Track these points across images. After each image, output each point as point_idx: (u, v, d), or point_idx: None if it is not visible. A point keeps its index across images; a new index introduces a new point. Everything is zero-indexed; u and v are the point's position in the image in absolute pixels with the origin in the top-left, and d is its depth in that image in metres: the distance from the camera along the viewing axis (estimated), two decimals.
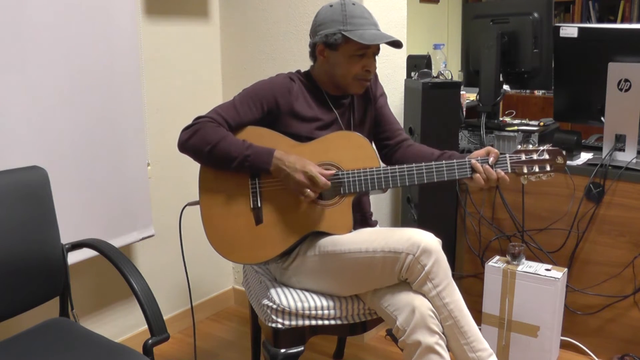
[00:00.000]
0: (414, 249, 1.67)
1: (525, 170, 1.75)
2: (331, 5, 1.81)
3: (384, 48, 1.85)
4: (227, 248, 1.81)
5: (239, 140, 1.77)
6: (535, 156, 1.75)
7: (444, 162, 1.76)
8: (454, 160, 1.76)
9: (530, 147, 1.76)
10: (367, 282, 1.78)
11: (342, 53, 1.79)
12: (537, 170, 1.74)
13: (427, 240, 1.69)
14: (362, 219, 1.95)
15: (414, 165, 1.76)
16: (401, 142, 1.99)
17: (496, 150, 1.77)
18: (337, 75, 1.83)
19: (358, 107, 1.96)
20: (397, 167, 1.76)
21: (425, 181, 1.75)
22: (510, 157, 1.76)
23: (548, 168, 1.74)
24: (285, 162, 1.73)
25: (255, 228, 1.80)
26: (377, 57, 1.85)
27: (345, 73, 1.81)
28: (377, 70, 1.95)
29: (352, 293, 1.83)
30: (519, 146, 1.77)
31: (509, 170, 1.75)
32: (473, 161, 1.74)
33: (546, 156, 1.75)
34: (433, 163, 1.76)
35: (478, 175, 1.73)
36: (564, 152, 1.76)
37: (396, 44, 1.79)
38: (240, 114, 1.80)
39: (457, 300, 1.71)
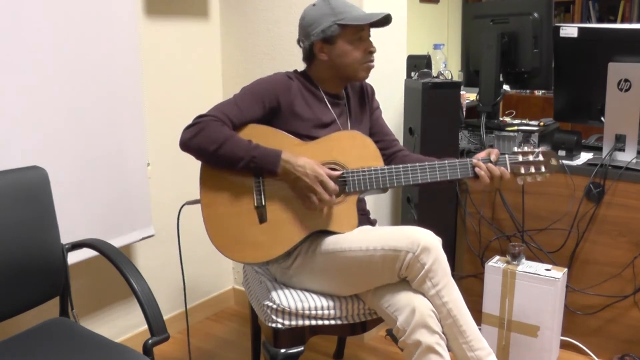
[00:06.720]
0: (414, 247, 1.68)
1: (522, 171, 1.82)
2: (314, 5, 1.85)
3: (382, 46, 1.86)
4: (230, 247, 1.79)
5: (245, 140, 1.75)
6: (531, 157, 1.83)
7: (446, 161, 1.80)
8: (456, 160, 1.80)
9: (526, 149, 1.85)
10: (367, 280, 1.78)
11: (342, 43, 1.82)
12: (533, 171, 1.83)
13: (427, 239, 1.70)
14: (363, 218, 1.95)
15: (417, 164, 1.79)
16: (397, 152, 2.01)
17: (497, 150, 1.84)
18: (344, 65, 1.84)
19: (354, 109, 1.97)
20: (401, 166, 1.79)
21: (429, 180, 1.79)
22: (509, 157, 1.83)
23: (543, 169, 1.83)
24: (294, 166, 1.72)
25: (259, 227, 1.79)
26: (379, 57, 1.86)
27: (352, 61, 1.84)
28: (377, 71, 1.95)
29: (352, 292, 1.84)
30: (516, 148, 1.86)
31: (508, 170, 1.82)
32: (475, 160, 1.80)
33: (540, 158, 1.83)
34: (436, 162, 1.79)
35: (483, 173, 1.78)
36: (557, 155, 1.86)
37: (387, 19, 1.84)
38: (242, 112, 1.79)
39: (456, 299, 1.71)
